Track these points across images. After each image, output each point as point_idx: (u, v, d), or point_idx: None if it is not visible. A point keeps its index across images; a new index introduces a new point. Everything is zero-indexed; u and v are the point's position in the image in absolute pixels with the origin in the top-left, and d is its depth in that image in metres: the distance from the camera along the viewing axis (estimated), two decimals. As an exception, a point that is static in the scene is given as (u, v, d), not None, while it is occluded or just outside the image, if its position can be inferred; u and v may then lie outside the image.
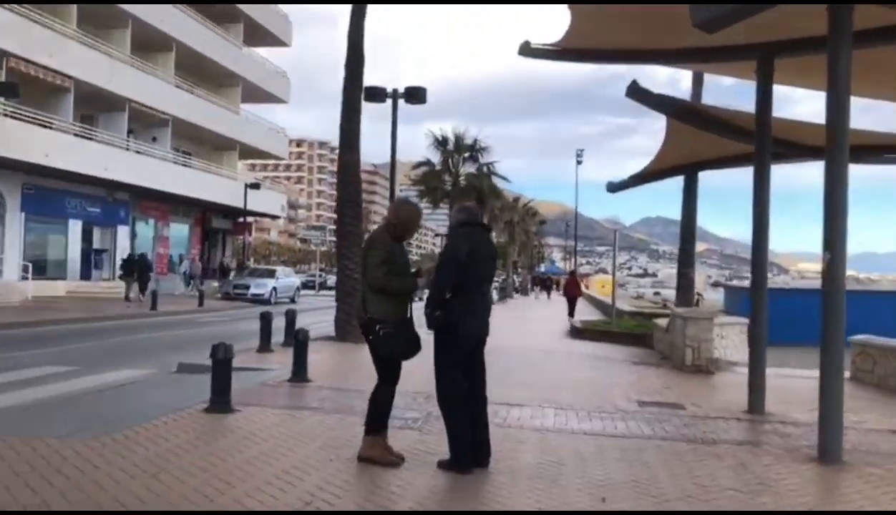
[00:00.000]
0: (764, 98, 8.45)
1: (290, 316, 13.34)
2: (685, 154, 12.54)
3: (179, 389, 8.61)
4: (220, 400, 6.97)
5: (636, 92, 9.57)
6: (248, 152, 43.79)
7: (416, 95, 17.86)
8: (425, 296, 5.33)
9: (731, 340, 18.47)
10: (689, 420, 7.85)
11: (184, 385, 8.99)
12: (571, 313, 26.64)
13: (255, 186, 38.97)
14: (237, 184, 38.59)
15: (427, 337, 5.27)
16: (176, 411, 6.91)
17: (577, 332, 19.41)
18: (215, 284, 35.70)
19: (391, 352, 5.28)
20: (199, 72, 36.51)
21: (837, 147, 6.08)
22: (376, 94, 17.82)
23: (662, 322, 16.16)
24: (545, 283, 59.16)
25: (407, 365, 5.45)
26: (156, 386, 8.97)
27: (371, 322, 5.22)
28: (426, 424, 6.78)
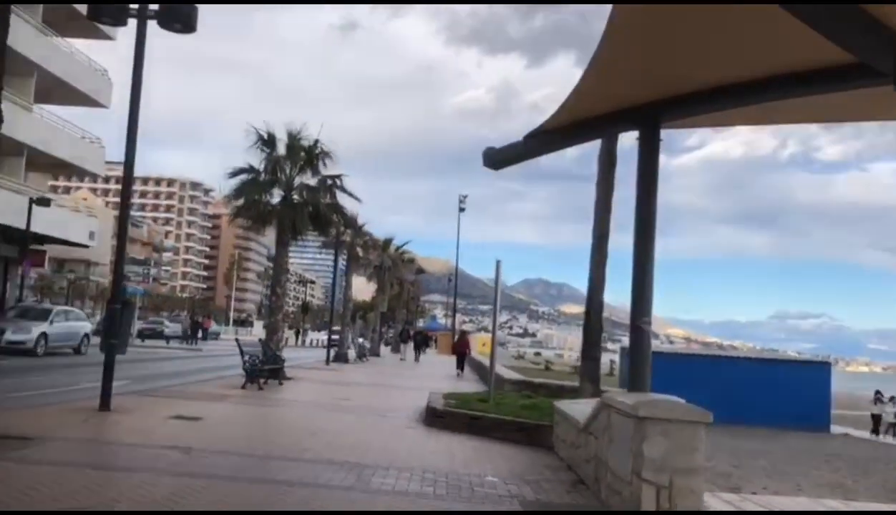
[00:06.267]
0: None
1: None
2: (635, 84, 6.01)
3: None
4: None
5: None
6: (45, 163, 34.74)
7: (177, 16, 10.66)
8: None
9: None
10: None
11: None
12: (460, 368, 29.89)
13: (44, 203, 30.04)
14: (21, 198, 29.69)
15: None
16: None
17: (436, 417, 12.39)
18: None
19: None
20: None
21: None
22: (108, 10, 10.57)
23: (570, 408, 9.48)
24: (416, 339, 42.73)
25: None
26: None
27: None
28: None
